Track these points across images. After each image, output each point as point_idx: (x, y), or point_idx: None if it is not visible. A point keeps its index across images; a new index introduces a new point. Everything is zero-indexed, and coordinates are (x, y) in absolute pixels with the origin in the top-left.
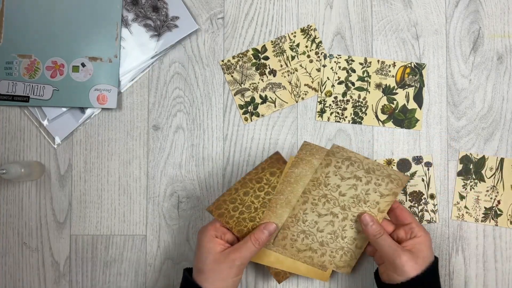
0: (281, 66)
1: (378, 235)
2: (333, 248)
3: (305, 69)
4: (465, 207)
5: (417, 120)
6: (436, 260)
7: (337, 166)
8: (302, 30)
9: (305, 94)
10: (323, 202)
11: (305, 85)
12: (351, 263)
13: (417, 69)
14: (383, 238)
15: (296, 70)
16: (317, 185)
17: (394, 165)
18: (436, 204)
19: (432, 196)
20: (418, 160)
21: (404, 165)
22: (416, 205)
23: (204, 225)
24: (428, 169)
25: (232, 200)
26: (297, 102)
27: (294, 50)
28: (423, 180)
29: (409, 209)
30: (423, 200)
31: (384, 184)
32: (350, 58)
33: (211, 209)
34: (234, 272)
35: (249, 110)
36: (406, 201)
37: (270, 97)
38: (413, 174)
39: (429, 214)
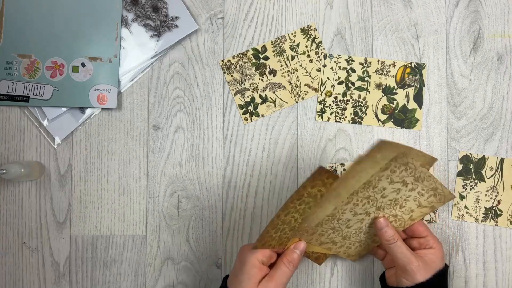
0: (281, 66)
1: (392, 240)
2: (352, 241)
3: (305, 69)
4: (465, 207)
5: (417, 120)
6: (445, 268)
7: (392, 171)
8: (302, 30)
9: (305, 94)
10: (364, 203)
11: (305, 85)
12: (362, 253)
13: (417, 69)
14: (397, 245)
15: (296, 70)
16: (366, 187)
17: None
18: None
19: None
20: None
21: None
22: None
23: (249, 244)
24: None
25: (273, 225)
26: (297, 102)
27: (294, 50)
28: None
29: None
30: None
31: (427, 196)
32: (350, 58)
33: (257, 246)
34: None
35: (249, 110)
36: None
37: (270, 97)
38: None
39: (429, 214)
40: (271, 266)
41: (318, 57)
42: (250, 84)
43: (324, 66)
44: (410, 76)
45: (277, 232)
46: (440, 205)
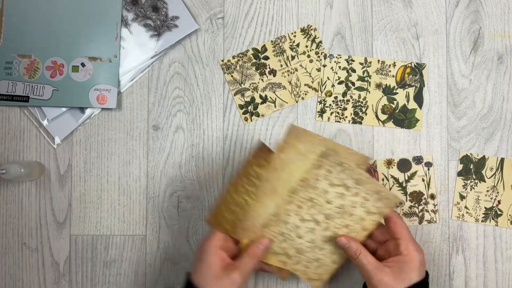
0: (281, 66)
1: (354, 255)
2: (309, 258)
3: (305, 69)
4: (465, 207)
5: (417, 120)
6: (424, 279)
7: (328, 171)
8: (302, 30)
9: (305, 94)
10: (308, 206)
11: (305, 85)
12: (323, 277)
13: (417, 69)
14: (360, 258)
15: (296, 70)
16: (305, 186)
17: (394, 165)
18: (436, 204)
19: (432, 196)
20: (418, 160)
21: (404, 165)
22: (416, 205)
23: (206, 235)
24: (428, 169)
25: (226, 203)
26: (297, 102)
27: (294, 50)
28: (423, 180)
29: (409, 209)
30: (423, 200)
31: (373, 200)
32: (350, 58)
33: (208, 220)
34: None
35: (249, 110)
36: (406, 201)
37: (270, 97)
38: (413, 174)
39: (429, 214)
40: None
41: (318, 57)
42: (250, 84)
43: (324, 66)
44: (410, 76)
45: (232, 214)
46: (387, 210)
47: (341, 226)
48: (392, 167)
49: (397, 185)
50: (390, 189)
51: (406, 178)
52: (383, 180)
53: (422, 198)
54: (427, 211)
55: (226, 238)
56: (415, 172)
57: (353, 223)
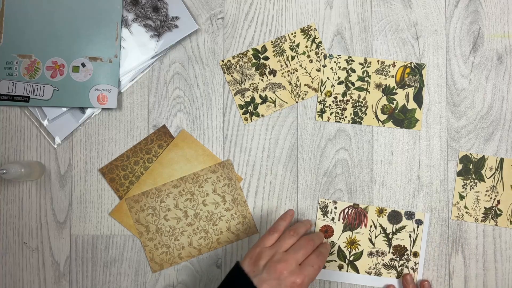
0: (281, 66)
1: None
2: (162, 241)
3: (305, 69)
4: (465, 207)
5: (417, 120)
6: None
7: (218, 179)
8: (302, 30)
9: (305, 94)
10: (187, 198)
11: (305, 85)
12: (164, 266)
13: (417, 69)
14: None
15: (296, 70)
16: (195, 180)
17: (385, 215)
18: (418, 263)
19: (415, 254)
20: (410, 215)
21: (395, 217)
22: (397, 259)
23: None
24: (417, 227)
25: (123, 167)
26: (297, 102)
27: (294, 50)
28: (410, 236)
29: (389, 261)
30: (406, 256)
31: (237, 221)
32: (350, 58)
33: (103, 171)
34: None
35: (249, 110)
36: (389, 253)
37: (270, 97)
38: (401, 228)
39: (409, 271)
40: None
41: (318, 57)
42: (250, 84)
43: (324, 66)
44: (410, 76)
45: (126, 179)
46: (244, 236)
47: (202, 229)
48: (382, 216)
49: (383, 235)
50: (376, 237)
51: (394, 230)
52: (370, 227)
53: (405, 253)
54: (407, 267)
55: None
56: (404, 227)
57: (212, 232)
